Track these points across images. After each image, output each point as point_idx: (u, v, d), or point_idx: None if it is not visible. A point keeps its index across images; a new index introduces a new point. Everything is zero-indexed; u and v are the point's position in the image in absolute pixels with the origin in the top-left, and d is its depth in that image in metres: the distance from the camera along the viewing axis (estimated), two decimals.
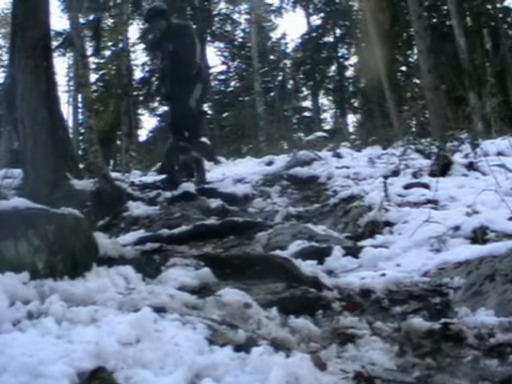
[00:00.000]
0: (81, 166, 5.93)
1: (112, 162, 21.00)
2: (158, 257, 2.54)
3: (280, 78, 26.48)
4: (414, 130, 11.07)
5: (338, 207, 4.26)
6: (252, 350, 1.36)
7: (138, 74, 24.44)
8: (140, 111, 25.17)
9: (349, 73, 26.68)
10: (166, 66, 5.93)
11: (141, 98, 24.76)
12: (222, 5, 25.35)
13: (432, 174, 4.64)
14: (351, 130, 24.12)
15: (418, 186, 4.28)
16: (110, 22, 23.80)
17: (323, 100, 27.36)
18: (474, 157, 5.19)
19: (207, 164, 6.93)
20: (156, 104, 25.10)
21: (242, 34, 26.33)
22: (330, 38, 26.48)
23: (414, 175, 4.79)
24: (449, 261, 2.46)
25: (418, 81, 18.37)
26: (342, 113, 25.75)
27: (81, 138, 20.58)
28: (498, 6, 20.05)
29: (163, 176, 6.10)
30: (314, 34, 25.98)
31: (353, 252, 2.85)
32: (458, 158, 5.23)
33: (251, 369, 1.27)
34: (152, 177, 6.98)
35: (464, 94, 13.84)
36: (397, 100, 16.19)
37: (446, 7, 18.20)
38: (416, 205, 3.76)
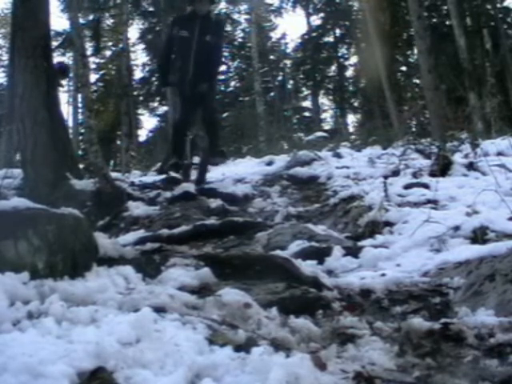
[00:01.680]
0: (81, 165, 5.93)
1: (112, 161, 21.01)
2: (158, 257, 2.54)
3: (280, 77, 26.50)
4: (414, 129, 11.09)
5: (338, 207, 4.26)
6: (252, 350, 1.36)
7: (138, 74, 24.52)
8: (140, 111, 25.20)
9: (349, 73, 26.76)
10: (194, 55, 5.52)
11: (141, 98, 24.78)
12: (222, 5, 25.38)
13: (432, 174, 4.64)
14: (351, 130, 24.15)
15: (418, 186, 4.28)
16: (110, 21, 23.83)
17: (323, 100, 27.42)
18: (474, 157, 5.19)
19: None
20: (156, 104, 25.15)
21: (242, 34, 26.37)
22: (330, 38, 26.51)
23: (414, 175, 4.79)
24: (449, 261, 2.46)
25: (418, 81, 18.39)
26: (342, 113, 25.77)
27: (81, 137, 20.59)
28: (498, 5, 20.06)
29: (163, 176, 6.09)
30: (314, 34, 26.01)
31: (353, 252, 2.85)
32: (458, 158, 5.23)
33: (251, 369, 1.27)
34: (152, 177, 6.97)
35: (464, 94, 13.85)
36: (397, 100, 16.20)
37: (446, 7, 18.20)
38: (416, 205, 3.76)
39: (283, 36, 26.98)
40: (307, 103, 28.11)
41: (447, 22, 18.41)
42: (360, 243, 3.15)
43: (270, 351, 1.38)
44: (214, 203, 4.61)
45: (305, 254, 2.73)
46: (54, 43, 17.66)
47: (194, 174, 5.79)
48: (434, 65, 9.79)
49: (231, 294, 1.81)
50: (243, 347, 1.40)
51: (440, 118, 8.73)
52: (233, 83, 26.94)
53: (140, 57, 24.86)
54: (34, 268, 1.73)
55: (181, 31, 5.63)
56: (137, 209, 4.44)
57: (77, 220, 2.03)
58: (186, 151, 5.70)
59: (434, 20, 20.49)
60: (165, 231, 3.45)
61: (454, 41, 15.60)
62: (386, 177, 4.64)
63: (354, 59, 26.41)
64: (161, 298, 1.71)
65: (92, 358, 1.20)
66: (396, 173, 4.99)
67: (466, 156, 5.35)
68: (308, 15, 25.92)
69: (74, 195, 4.50)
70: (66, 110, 21.11)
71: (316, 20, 26.42)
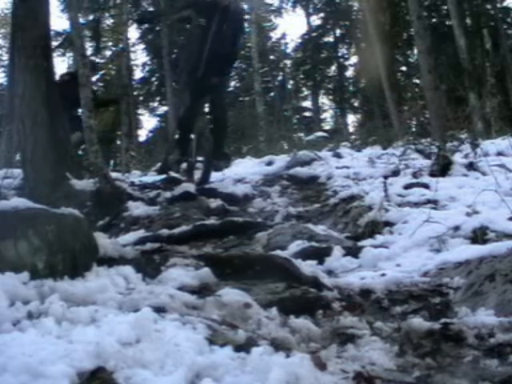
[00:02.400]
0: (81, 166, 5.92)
1: (112, 161, 20.98)
2: (158, 257, 2.54)
3: (280, 77, 26.48)
4: (414, 129, 11.10)
5: (338, 207, 4.26)
6: (252, 350, 1.36)
7: (138, 74, 24.49)
8: (140, 111, 25.19)
9: (349, 73, 26.73)
10: (208, 50, 5.26)
11: (141, 98, 24.77)
12: None
13: (432, 174, 4.64)
14: (351, 130, 24.13)
15: (418, 186, 4.28)
16: (110, 21, 23.82)
17: (323, 100, 27.40)
18: (474, 157, 5.19)
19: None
20: (156, 104, 25.14)
21: None
22: (330, 38, 26.49)
23: (414, 175, 4.79)
24: (449, 261, 2.46)
25: (418, 81, 18.40)
26: (342, 113, 25.76)
27: None
28: (498, 6, 20.06)
29: (163, 176, 6.09)
30: (314, 34, 25.99)
31: (353, 252, 2.85)
32: (458, 158, 5.23)
33: (251, 369, 1.27)
34: (152, 177, 6.96)
35: (464, 94, 13.85)
36: (397, 100, 16.18)
37: (446, 7, 18.19)
38: (416, 205, 3.76)
39: (283, 36, 26.92)
40: (307, 103, 28.12)
41: (447, 22, 18.40)
42: (360, 243, 3.16)
43: (270, 351, 1.38)
44: (214, 203, 4.60)
45: (305, 254, 2.73)
46: (54, 43, 17.65)
47: (195, 174, 5.78)
48: (433, 65, 9.79)
49: (231, 294, 1.81)
50: (243, 347, 1.41)
51: (440, 118, 8.73)
52: (233, 83, 26.92)
53: (140, 57, 24.86)
54: (34, 268, 1.73)
55: (198, 16, 5.28)
56: (137, 209, 4.43)
57: (77, 220, 2.03)
58: (190, 149, 5.68)
59: (434, 20, 20.49)
60: (165, 231, 3.45)
61: (454, 41, 15.59)
62: (385, 177, 4.64)
63: (354, 59, 26.43)
64: (161, 298, 1.71)
65: (92, 358, 1.20)
66: (396, 173, 4.99)
67: (466, 156, 5.36)
68: (308, 15, 25.91)
69: (74, 195, 4.50)
70: None
71: (316, 20, 26.44)
